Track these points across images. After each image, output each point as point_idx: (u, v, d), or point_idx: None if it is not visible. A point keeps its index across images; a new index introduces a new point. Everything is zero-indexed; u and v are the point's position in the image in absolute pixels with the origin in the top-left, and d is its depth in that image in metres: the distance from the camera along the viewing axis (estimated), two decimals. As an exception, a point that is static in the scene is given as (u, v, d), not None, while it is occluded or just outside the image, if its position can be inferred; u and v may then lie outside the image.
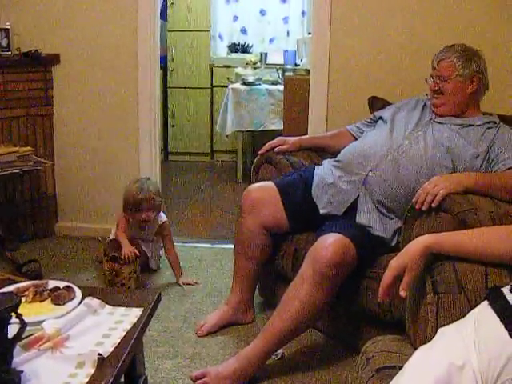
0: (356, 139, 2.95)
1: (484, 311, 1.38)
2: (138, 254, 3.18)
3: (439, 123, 2.65)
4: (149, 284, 3.36)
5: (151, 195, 3.26)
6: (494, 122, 2.60)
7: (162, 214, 3.42)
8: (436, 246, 1.62)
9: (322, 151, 3.09)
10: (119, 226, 3.34)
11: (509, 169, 2.39)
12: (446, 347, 1.33)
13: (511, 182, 2.28)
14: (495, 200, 2.14)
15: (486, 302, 1.40)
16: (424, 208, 2.13)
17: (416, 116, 2.74)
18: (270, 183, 2.83)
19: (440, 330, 1.43)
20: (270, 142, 3.09)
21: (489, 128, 2.56)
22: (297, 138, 3.10)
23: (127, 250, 3.16)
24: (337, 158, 2.79)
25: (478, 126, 2.58)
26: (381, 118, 2.87)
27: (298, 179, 2.82)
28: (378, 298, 1.72)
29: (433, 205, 2.12)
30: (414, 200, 2.20)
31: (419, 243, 1.63)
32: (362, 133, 2.97)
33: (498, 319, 1.31)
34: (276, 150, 3.03)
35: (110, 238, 3.39)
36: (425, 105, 2.79)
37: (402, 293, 1.62)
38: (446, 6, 3.47)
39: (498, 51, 3.33)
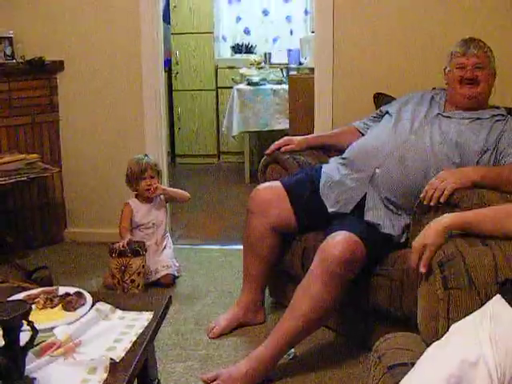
0: (363, 135, 2.94)
1: (497, 305, 1.37)
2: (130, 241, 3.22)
3: (447, 117, 2.63)
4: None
5: (154, 161, 3.47)
6: (502, 115, 2.58)
7: None
8: (457, 223, 1.71)
9: (329, 149, 3.08)
10: (123, 217, 3.41)
11: None
12: (458, 343, 1.32)
13: None
14: (504, 194, 2.13)
15: (498, 296, 1.39)
16: (432, 203, 2.13)
17: (423, 110, 2.72)
18: (277, 183, 2.82)
19: (453, 326, 1.42)
20: (277, 142, 3.08)
21: (497, 121, 2.55)
22: (303, 137, 3.10)
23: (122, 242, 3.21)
24: (343, 156, 2.78)
25: (486, 119, 2.57)
26: (387, 112, 2.86)
27: (306, 178, 2.82)
28: (388, 295, 1.73)
29: (441, 200, 2.12)
30: (421, 196, 2.20)
31: (439, 223, 1.71)
32: (368, 129, 2.95)
33: (512, 311, 1.31)
34: (282, 149, 3.02)
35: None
36: (432, 98, 2.77)
37: (423, 269, 1.68)
38: (450, 2, 3.45)
39: (503, 45, 3.31)
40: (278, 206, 2.74)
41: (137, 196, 3.47)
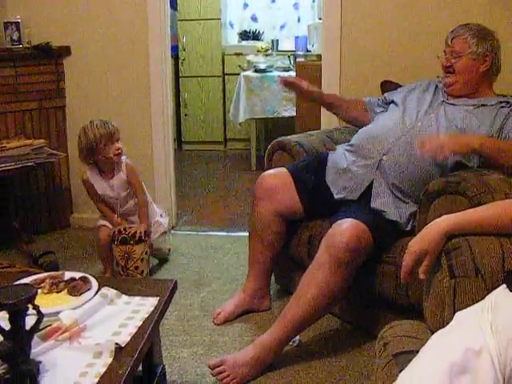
0: (367, 112, 2.95)
1: (502, 294, 1.36)
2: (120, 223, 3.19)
3: (452, 104, 2.62)
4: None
5: (114, 125, 3.18)
6: (507, 102, 2.57)
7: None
8: (457, 228, 1.63)
9: (330, 108, 3.07)
10: (91, 195, 3.27)
11: None
12: (462, 332, 1.32)
13: None
14: (511, 181, 2.11)
15: (503, 286, 1.39)
16: (425, 156, 2.27)
17: (428, 98, 2.71)
18: (283, 169, 2.82)
19: (457, 315, 1.41)
20: (288, 79, 2.98)
21: (502, 107, 2.54)
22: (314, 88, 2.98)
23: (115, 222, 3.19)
24: (350, 143, 2.77)
25: (492, 105, 2.55)
26: (392, 101, 2.85)
27: (312, 165, 2.81)
28: (394, 283, 1.72)
29: (438, 159, 2.23)
30: (418, 142, 2.27)
31: (440, 227, 1.64)
32: (374, 112, 2.93)
33: (516, 302, 1.30)
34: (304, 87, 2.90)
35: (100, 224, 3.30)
36: (437, 87, 2.76)
37: (422, 276, 1.65)
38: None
39: (510, 33, 3.29)
40: (284, 193, 2.74)
41: (97, 168, 3.21)
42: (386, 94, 2.98)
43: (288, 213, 2.75)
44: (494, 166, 2.29)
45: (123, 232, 3.12)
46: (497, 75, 2.67)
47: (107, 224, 3.23)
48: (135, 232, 3.11)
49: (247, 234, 2.92)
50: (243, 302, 2.84)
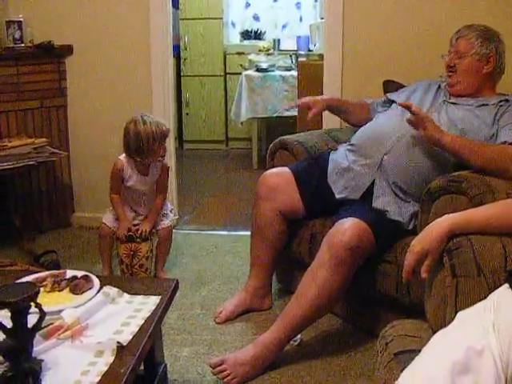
0: (369, 114, 2.96)
1: (504, 294, 1.36)
2: (132, 228, 3.11)
3: (453, 104, 2.62)
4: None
5: (165, 124, 3.11)
6: (507, 100, 2.57)
7: None
8: (459, 228, 1.63)
9: (340, 114, 3.07)
10: (114, 186, 3.19)
11: (503, 143, 2.37)
12: (464, 331, 1.32)
13: (492, 153, 2.25)
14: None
15: (506, 285, 1.39)
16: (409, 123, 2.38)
17: (430, 98, 2.71)
18: (285, 169, 2.82)
19: (459, 314, 1.41)
20: (303, 101, 2.91)
21: (501, 106, 2.54)
22: (324, 99, 2.93)
23: (122, 229, 3.10)
24: (351, 142, 2.77)
25: (493, 105, 2.55)
26: (394, 101, 2.84)
27: (314, 165, 2.82)
28: (395, 282, 1.72)
29: (421, 133, 2.36)
30: (408, 116, 2.39)
31: (442, 227, 1.64)
32: (376, 111, 2.93)
33: (517, 301, 1.30)
34: (310, 115, 2.83)
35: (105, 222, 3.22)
36: (439, 87, 2.76)
37: (424, 275, 1.66)
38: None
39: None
40: (286, 192, 2.74)
41: (133, 161, 3.14)
42: (387, 95, 2.97)
43: (290, 212, 2.75)
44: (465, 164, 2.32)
45: (129, 230, 3.12)
46: (500, 76, 2.67)
47: (109, 224, 3.19)
48: (141, 230, 3.11)
49: (248, 232, 2.92)
50: (244, 301, 2.85)
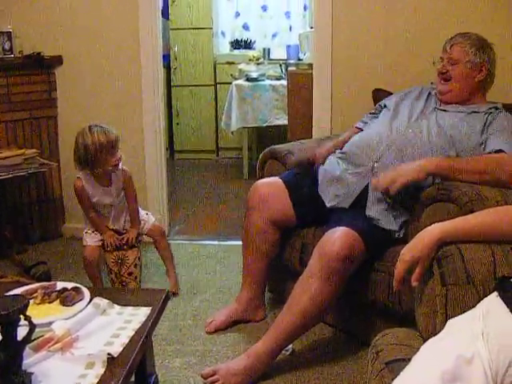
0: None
1: (493, 302, 1.37)
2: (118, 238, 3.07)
3: (443, 110, 2.64)
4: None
5: (115, 132, 2.98)
6: (496, 108, 2.59)
7: None
8: (449, 236, 1.63)
9: None
10: (83, 204, 3.10)
11: (489, 152, 2.39)
12: (454, 339, 1.32)
13: (480, 166, 2.25)
14: (503, 189, 2.12)
15: (495, 293, 1.39)
16: (379, 190, 2.36)
17: (420, 105, 2.72)
18: (276, 179, 2.82)
19: (449, 322, 1.42)
20: (302, 159, 2.91)
21: (491, 113, 2.55)
22: (323, 148, 2.93)
23: (108, 237, 3.06)
24: (342, 150, 2.77)
25: (483, 112, 2.56)
26: (385, 105, 2.86)
27: (305, 174, 2.81)
28: (386, 290, 1.72)
29: (390, 192, 2.30)
30: (373, 182, 2.38)
31: (432, 235, 1.64)
32: (366, 124, 2.95)
33: (507, 310, 1.31)
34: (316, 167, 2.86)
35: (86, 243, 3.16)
36: (429, 94, 2.77)
37: (415, 283, 1.66)
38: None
39: (503, 40, 3.30)
40: (278, 200, 2.74)
41: (92, 175, 3.04)
42: (380, 102, 2.97)
43: (281, 221, 2.75)
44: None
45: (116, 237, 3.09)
46: (491, 85, 2.70)
47: (92, 244, 3.11)
48: (127, 238, 3.09)
49: (240, 242, 2.92)
50: (235, 312, 2.84)
